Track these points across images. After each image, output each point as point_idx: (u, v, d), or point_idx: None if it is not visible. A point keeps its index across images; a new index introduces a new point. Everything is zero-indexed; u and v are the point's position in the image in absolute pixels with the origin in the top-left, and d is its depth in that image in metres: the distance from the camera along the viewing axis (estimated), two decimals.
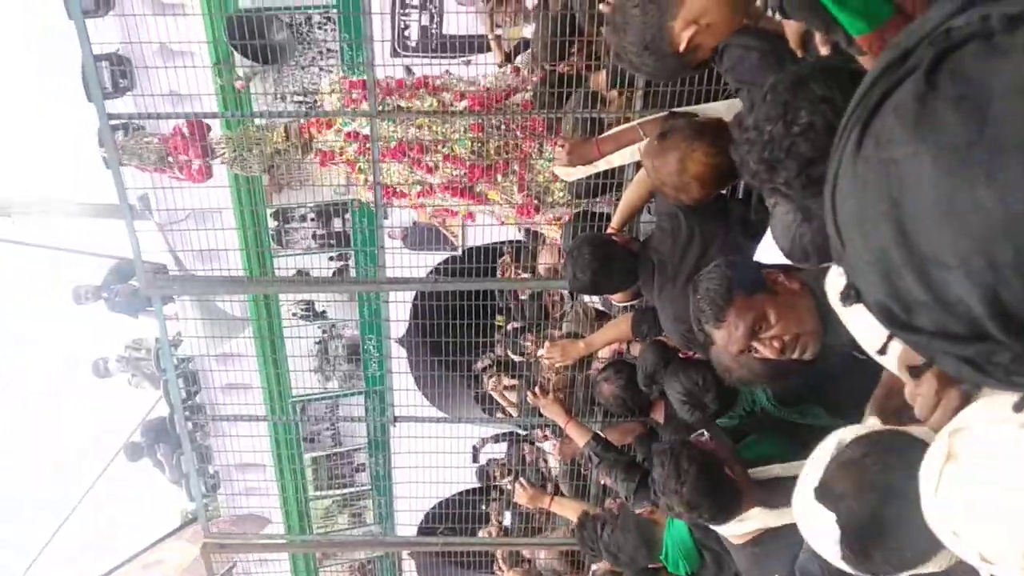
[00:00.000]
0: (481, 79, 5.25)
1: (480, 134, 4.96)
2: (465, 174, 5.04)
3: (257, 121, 5.51)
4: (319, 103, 5.27)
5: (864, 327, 1.83)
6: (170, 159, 5.21)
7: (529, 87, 5.21)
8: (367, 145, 4.98)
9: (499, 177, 5.07)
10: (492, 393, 7.60)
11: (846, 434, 1.69)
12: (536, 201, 5.16)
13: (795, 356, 2.24)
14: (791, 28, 2.29)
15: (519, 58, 6.35)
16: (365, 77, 4.98)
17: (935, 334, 1.00)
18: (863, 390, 2.05)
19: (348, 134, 5.05)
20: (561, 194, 5.17)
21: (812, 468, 1.69)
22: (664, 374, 3.40)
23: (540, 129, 5.06)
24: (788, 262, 2.25)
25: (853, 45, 1.47)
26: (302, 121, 5.16)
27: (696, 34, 2.00)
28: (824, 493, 1.61)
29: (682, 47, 2.01)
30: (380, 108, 4.90)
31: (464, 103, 4.98)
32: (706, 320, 2.29)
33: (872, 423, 1.77)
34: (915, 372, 1.55)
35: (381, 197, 5.42)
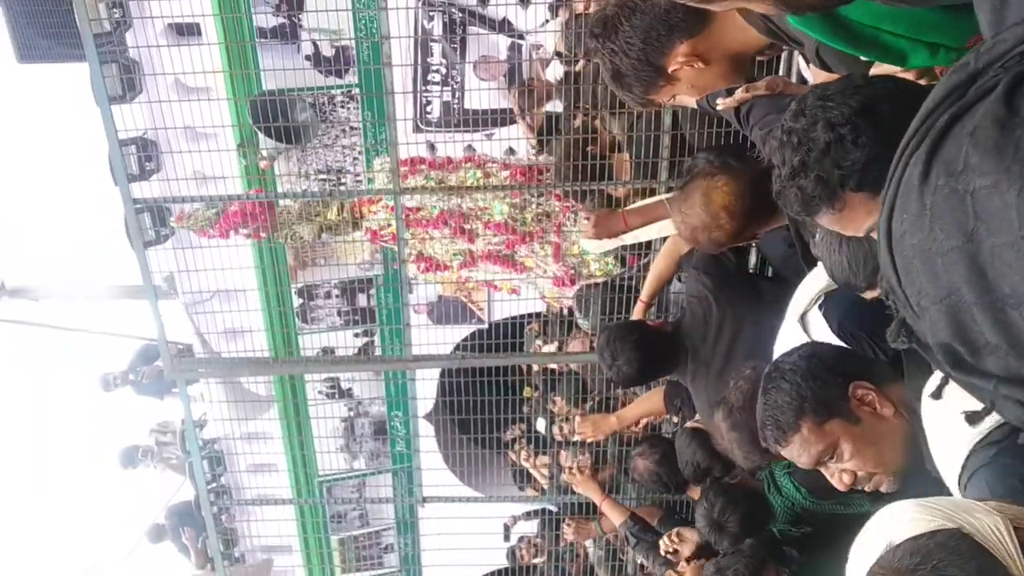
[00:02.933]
0: (511, 157, 5.39)
1: (519, 199, 5.04)
2: (504, 241, 5.07)
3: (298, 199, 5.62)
4: (371, 180, 5.39)
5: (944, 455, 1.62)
6: (229, 210, 5.31)
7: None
8: (413, 217, 5.07)
9: (536, 246, 5.09)
10: (525, 464, 7.47)
11: (895, 530, 1.37)
12: (572, 271, 5.16)
13: (866, 489, 1.95)
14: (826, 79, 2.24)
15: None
16: (389, 155, 5.02)
17: (1002, 379, 0.91)
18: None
19: (393, 208, 5.11)
20: (596, 266, 5.15)
21: (862, 553, 1.41)
22: (719, 467, 3.34)
23: (572, 200, 5.06)
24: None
25: None
26: (354, 200, 5.29)
27: (689, 65, 1.93)
28: None
29: (671, 68, 1.94)
30: (404, 186, 4.94)
31: (506, 173, 5.11)
32: (767, 437, 1.98)
33: (934, 507, 1.54)
34: (973, 419, 1.41)
35: (406, 274, 5.40)
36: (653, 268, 3.98)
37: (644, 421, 5.50)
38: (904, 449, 1.85)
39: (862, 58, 1.50)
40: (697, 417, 3.73)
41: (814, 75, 2.64)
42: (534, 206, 5.06)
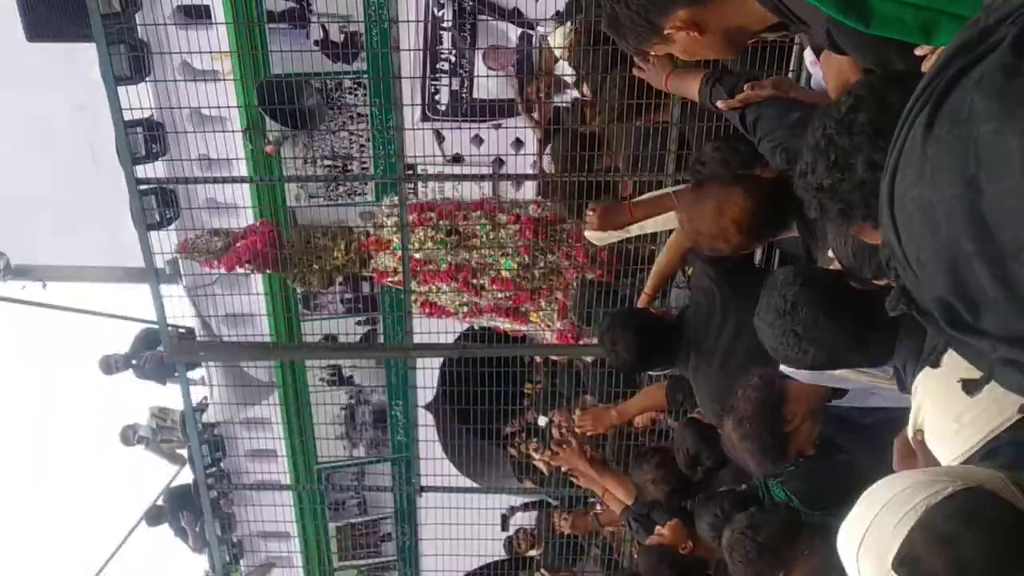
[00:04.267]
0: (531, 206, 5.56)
1: (527, 257, 5.21)
2: (511, 296, 5.22)
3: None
4: (378, 225, 5.49)
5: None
6: (236, 245, 5.46)
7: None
8: (421, 268, 5.26)
9: (543, 303, 5.28)
10: (534, 455, 7.47)
11: (931, 492, 1.39)
12: (576, 328, 5.33)
13: None
14: (839, 66, 2.19)
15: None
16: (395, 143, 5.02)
17: (1001, 339, 0.89)
18: None
19: (400, 257, 5.21)
20: (588, 327, 5.26)
21: (882, 526, 1.43)
22: (707, 453, 3.28)
23: (583, 260, 5.21)
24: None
25: None
26: (362, 239, 5.47)
27: (685, 31, 1.90)
28: (910, 567, 1.37)
29: (666, 29, 1.92)
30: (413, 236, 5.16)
31: (515, 227, 5.28)
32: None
33: (952, 472, 1.51)
34: (970, 387, 1.38)
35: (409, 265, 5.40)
36: (657, 261, 3.95)
37: (644, 419, 5.47)
38: None
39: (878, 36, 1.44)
40: (698, 409, 3.70)
41: (822, 68, 2.60)
42: (542, 264, 5.23)
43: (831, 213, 1.34)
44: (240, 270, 5.49)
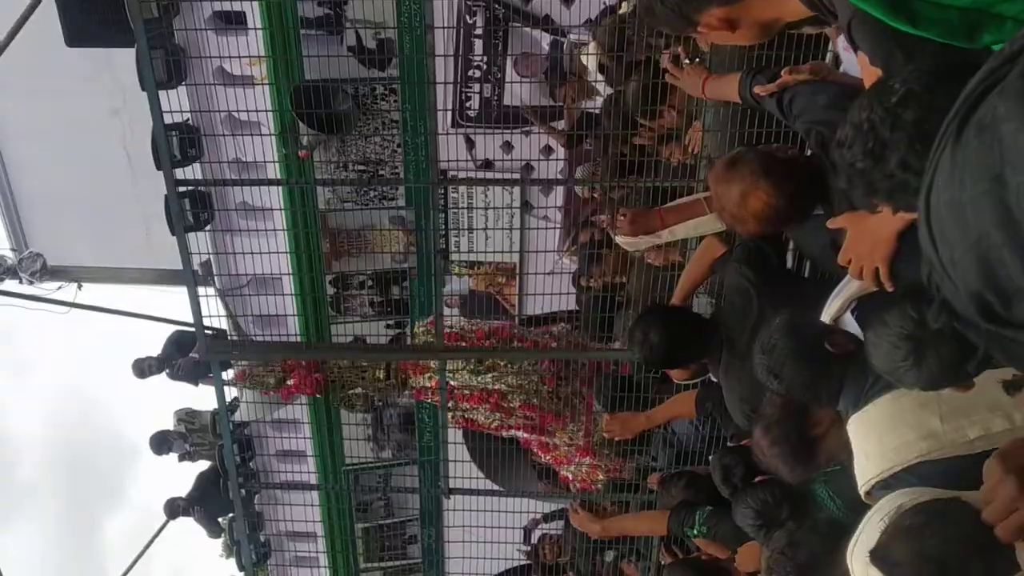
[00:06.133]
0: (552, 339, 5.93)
1: (553, 388, 5.66)
2: (537, 419, 5.72)
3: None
4: (415, 338, 5.92)
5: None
6: (288, 383, 5.86)
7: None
8: (457, 391, 5.70)
9: (570, 424, 5.73)
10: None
11: (906, 499, 1.69)
12: (594, 448, 5.81)
13: None
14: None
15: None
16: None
17: None
18: None
19: (436, 381, 5.78)
20: (607, 452, 5.86)
21: (869, 526, 1.70)
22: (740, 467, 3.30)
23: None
24: None
25: None
26: (399, 360, 5.92)
27: (717, 29, 1.97)
28: (879, 556, 1.60)
29: (700, 26, 2.01)
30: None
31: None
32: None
33: (945, 492, 1.72)
34: (1011, 387, 1.46)
35: (440, 266, 5.46)
36: (686, 271, 3.94)
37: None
38: None
39: (905, 31, 1.46)
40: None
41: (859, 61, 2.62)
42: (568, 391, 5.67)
43: (856, 191, 1.40)
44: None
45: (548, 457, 6.14)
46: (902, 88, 1.30)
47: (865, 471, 2.08)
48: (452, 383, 5.73)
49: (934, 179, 1.02)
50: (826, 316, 2.53)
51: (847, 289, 2.49)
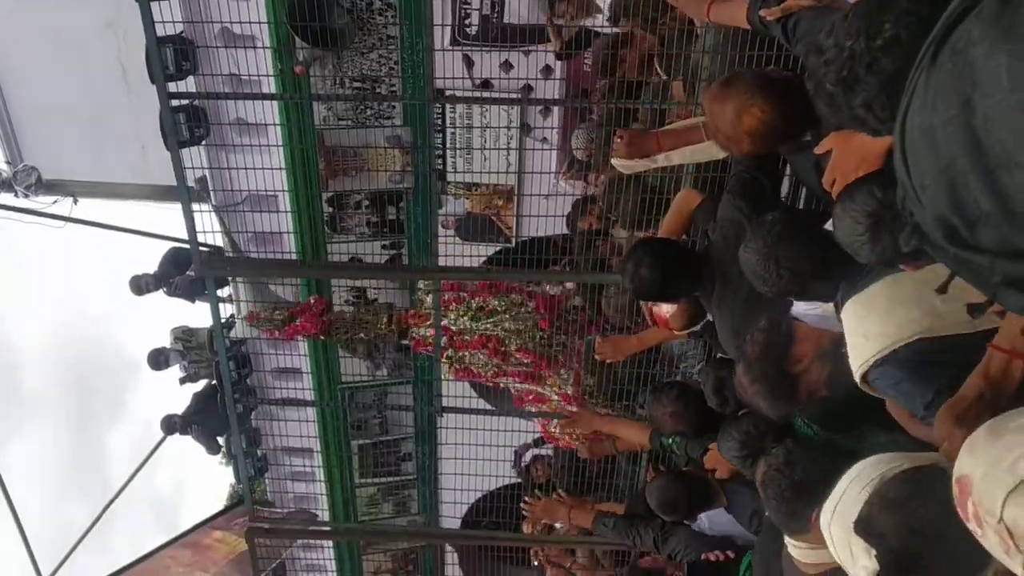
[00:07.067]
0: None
1: (546, 331, 5.88)
2: (531, 364, 5.93)
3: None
4: (419, 302, 6.13)
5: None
6: (296, 321, 6.04)
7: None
8: (456, 339, 5.91)
9: (561, 371, 5.95)
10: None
11: (887, 467, 1.70)
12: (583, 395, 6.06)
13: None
14: None
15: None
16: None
17: (998, 254, 0.94)
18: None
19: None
20: (593, 401, 6.07)
21: (849, 495, 1.71)
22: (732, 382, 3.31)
23: (593, 331, 5.80)
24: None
25: None
26: (403, 312, 6.17)
27: None
28: (865, 527, 1.61)
29: None
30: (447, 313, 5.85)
31: (532, 303, 5.91)
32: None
33: (922, 456, 1.75)
34: (975, 310, 1.48)
35: (436, 187, 5.43)
36: (664, 222, 3.90)
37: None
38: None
39: None
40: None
41: None
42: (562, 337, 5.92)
43: (820, 102, 1.41)
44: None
45: (537, 409, 6.41)
46: (892, 29, 1.25)
47: (863, 352, 2.05)
48: (452, 328, 5.91)
49: (910, 103, 1.02)
50: None
51: None
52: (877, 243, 1.90)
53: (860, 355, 2.06)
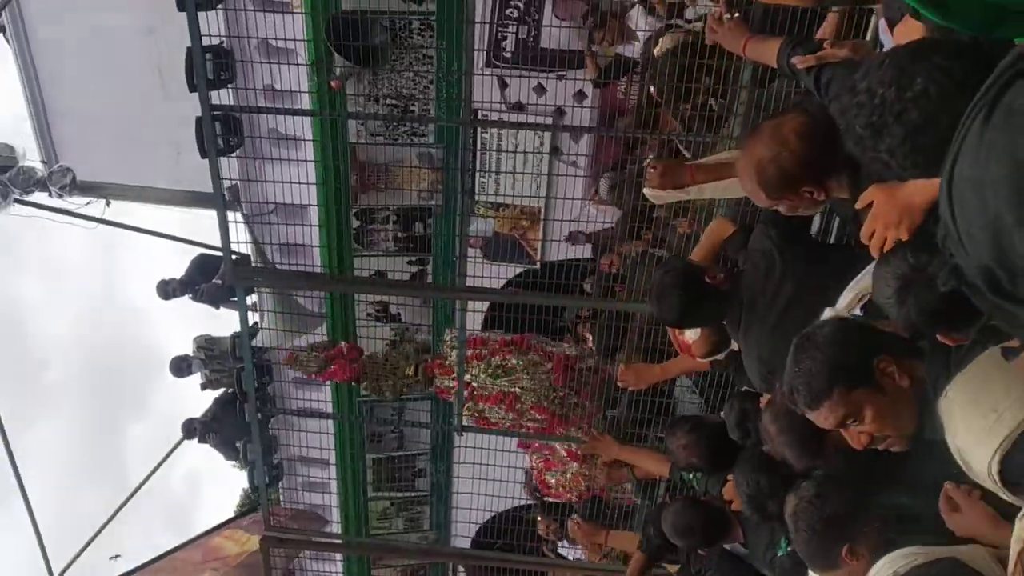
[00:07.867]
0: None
1: (559, 391, 6.18)
2: (545, 420, 6.28)
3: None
4: (444, 356, 6.42)
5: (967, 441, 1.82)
6: (330, 367, 6.38)
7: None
8: (475, 392, 6.27)
9: (573, 430, 6.26)
10: None
11: (903, 563, 1.72)
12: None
13: (879, 448, 2.16)
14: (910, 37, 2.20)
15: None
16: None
17: None
18: (946, 473, 2.03)
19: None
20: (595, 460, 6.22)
21: None
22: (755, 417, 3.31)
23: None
24: None
25: None
26: (429, 361, 6.52)
27: None
28: None
29: None
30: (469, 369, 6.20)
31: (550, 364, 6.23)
32: (797, 400, 2.14)
33: (931, 550, 1.76)
34: (1008, 353, 1.51)
35: (466, 205, 5.48)
36: (695, 252, 3.90)
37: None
38: (916, 416, 2.06)
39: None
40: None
41: (894, 39, 2.58)
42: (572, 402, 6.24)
43: (849, 140, 1.46)
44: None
45: (540, 460, 6.71)
46: (923, 83, 1.32)
47: (998, 428, 1.75)
48: (472, 384, 6.24)
49: (960, 150, 1.06)
50: (837, 309, 2.54)
51: (862, 283, 2.48)
52: (903, 305, 1.91)
53: (993, 434, 1.77)
